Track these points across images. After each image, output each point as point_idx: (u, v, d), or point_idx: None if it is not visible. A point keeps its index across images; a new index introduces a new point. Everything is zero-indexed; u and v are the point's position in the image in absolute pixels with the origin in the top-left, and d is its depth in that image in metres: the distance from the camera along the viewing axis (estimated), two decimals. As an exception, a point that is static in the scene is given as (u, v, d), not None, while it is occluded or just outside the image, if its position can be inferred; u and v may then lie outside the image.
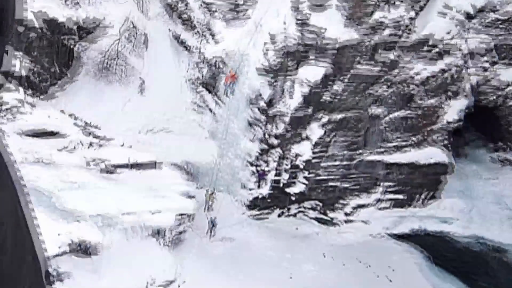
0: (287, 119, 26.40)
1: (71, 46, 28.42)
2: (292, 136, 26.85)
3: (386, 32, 25.79)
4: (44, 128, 25.05)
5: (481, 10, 27.31)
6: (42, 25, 26.65)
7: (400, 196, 28.07)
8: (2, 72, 26.05)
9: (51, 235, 17.28)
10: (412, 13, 26.08)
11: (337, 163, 27.36)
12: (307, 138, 26.80)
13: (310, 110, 26.49)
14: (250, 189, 26.96)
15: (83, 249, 19.79)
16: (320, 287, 22.21)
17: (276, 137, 26.67)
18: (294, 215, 27.44)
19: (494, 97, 29.00)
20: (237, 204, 26.92)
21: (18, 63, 24.74)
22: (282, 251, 24.37)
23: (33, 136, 24.45)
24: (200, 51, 29.38)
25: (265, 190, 26.88)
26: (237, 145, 27.55)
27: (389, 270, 23.56)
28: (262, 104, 26.54)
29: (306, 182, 26.99)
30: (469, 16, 27.05)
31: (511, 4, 28.11)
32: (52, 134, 24.95)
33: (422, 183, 28.09)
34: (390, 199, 28.02)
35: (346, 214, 27.49)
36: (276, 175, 26.86)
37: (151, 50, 30.70)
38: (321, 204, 27.56)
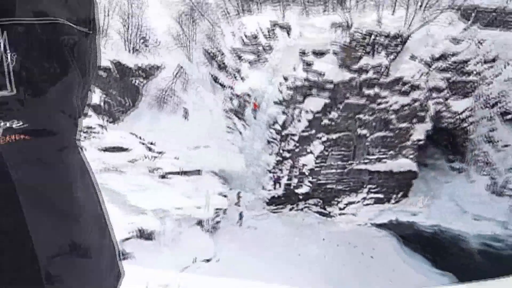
0: (296, 138, 29.18)
1: (136, 84, 32.24)
2: (300, 151, 29.49)
3: (370, 73, 28.63)
4: (116, 144, 27.97)
5: (437, 59, 29.95)
6: (114, 69, 31.04)
7: (380, 195, 30.36)
8: (88, 105, 34.58)
9: (123, 224, 21.34)
10: (388, 60, 28.85)
11: (333, 170, 29.82)
12: (311, 152, 29.48)
13: (313, 131, 29.15)
14: (269, 190, 29.52)
15: (145, 235, 22.95)
16: (320, 262, 24.41)
17: (288, 151, 29.48)
18: (301, 209, 29.81)
19: (452, 120, 31.03)
20: (259, 202, 29.29)
21: (97, 97, 28.68)
22: (293, 236, 26.72)
23: (108, 151, 27.44)
24: (231, 88, 32.75)
25: (279, 191, 29.55)
26: (259, 158, 30.26)
27: (371, 250, 26.08)
28: (278, 127, 29.54)
29: (310, 185, 29.63)
30: (428, 63, 29.70)
31: (457, 55, 30.26)
32: (122, 149, 27.94)
33: (396, 186, 30.35)
34: (373, 198, 30.30)
35: (340, 209, 29.89)
36: (288, 180, 29.58)
37: (194, 86, 33.83)
38: (321, 201, 30.02)
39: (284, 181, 29.74)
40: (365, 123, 29.58)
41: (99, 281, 0.96)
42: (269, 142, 30.14)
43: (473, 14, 30.84)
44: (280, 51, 31.41)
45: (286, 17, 32.70)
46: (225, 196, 27.39)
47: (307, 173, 29.61)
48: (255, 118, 31.04)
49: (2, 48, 0.71)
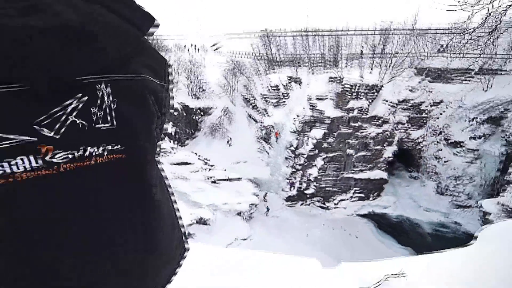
0: (305, 156, 30.73)
1: (196, 119, 35.44)
2: (308, 165, 30.91)
3: (355, 112, 30.34)
4: (183, 160, 29.81)
5: (401, 102, 31.72)
6: (181, 109, 33.66)
7: (362, 195, 31.74)
8: (164, 133, 30.95)
9: (186, 214, 22.78)
10: (367, 103, 30.52)
11: (330, 178, 31.28)
12: (315, 165, 30.95)
13: (316, 151, 30.65)
14: (286, 191, 31.10)
15: (202, 222, 24.39)
16: (321, 240, 26.02)
17: (299, 165, 31.02)
18: (308, 204, 31.27)
19: (411, 144, 32.66)
20: (280, 199, 30.95)
21: (172, 128, 31.92)
22: (303, 222, 28.48)
23: (177, 164, 29.16)
24: (261, 122, 34.75)
25: (294, 192, 31.06)
26: (280, 169, 31.77)
27: (356, 232, 28.00)
28: (292, 148, 31.08)
29: (315, 188, 31.11)
30: (395, 105, 31.30)
31: (415, 99, 31.83)
32: (187, 163, 29.79)
33: (373, 188, 31.68)
34: (357, 196, 31.71)
35: (335, 204, 31.42)
36: (299, 184, 31.14)
37: (236, 121, 36.78)
38: (322, 199, 31.41)
39: (296, 185, 31.10)
40: (351, 145, 30.98)
41: (173, 253, 1.12)
42: (286, 158, 31.50)
43: (425, 72, 32.71)
44: (294, 97, 32.83)
45: (298, 73, 34.76)
46: (256, 195, 28.73)
47: (312, 180, 30.99)
48: (277, 142, 32.64)
49: (106, 96, 0.83)
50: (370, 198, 32.01)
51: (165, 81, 1.05)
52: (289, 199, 31.23)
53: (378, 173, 31.81)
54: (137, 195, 0.94)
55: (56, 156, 0.77)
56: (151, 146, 0.99)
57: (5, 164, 0.71)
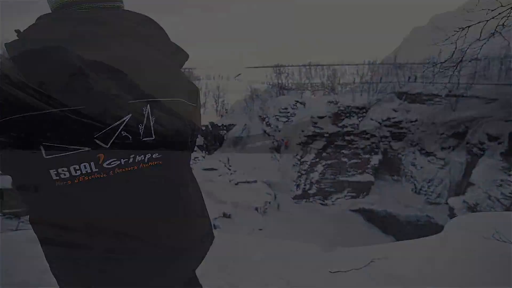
0: (308, 163, 31.10)
1: (221, 134, 36.67)
2: (311, 170, 31.18)
3: (348, 128, 31.25)
4: (211, 166, 29.48)
5: (385, 120, 31.66)
6: (209, 126, 35.98)
7: (353, 194, 31.22)
8: (195, 145, 28.86)
9: (213, 209, 21.75)
10: (358, 121, 31.53)
11: (328, 181, 31.23)
12: (316, 171, 31.20)
13: (317, 159, 31.16)
14: (294, 191, 30.88)
15: (226, 215, 23.95)
16: (321, 230, 25.07)
17: (304, 170, 31.26)
18: (311, 201, 31.04)
19: (393, 154, 32.36)
20: (288, 198, 30.43)
21: (202, 141, 33.97)
22: (307, 215, 28.13)
23: (206, 170, 28.39)
24: (273, 136, 34.54)
25: (300, 191, 30.99)
26: (288, 173, 31.51)
27: (349, 223, 27.67)
28: (298, 157, 31.48)
29: (316, 188, 31.11)
30: (380, 122, 31.54)
31: (395, 118, 31.63)
32: (214, 169, 29.08)
33: (363, 189, 31.11)
34: (350, 195, 31.29)
35: (332, 201, 31.06)
36: (304, 186, 31.05)
37: (253, 136, 35.76)
38: (322, 197, 31.23)
39: (301, 186, 31.23)
40: (345, 155, 31.45)
41: (203, 240, 1.08)
42: (294, 165, 31.82)
43: (404, 96, 33.29)
44: (300, 116, 33.41)
45: (303, 97, 35.81)
46: (269, 194, 28.55)
47: (314, 182, 31.20)
48: (286, 149, 33.13)
49: (146, 114, 0.81)
50: (360, 197, 31.93)
51: (196, 103, 1.07)
52: (296, 197, 31.40)
53: (367, 177, 32.15)
54: (172, 192, 0.97)
55: (107, 163, 0.81)
56: (185, 154, 1.02)
57: (72, 168, 0.77)
